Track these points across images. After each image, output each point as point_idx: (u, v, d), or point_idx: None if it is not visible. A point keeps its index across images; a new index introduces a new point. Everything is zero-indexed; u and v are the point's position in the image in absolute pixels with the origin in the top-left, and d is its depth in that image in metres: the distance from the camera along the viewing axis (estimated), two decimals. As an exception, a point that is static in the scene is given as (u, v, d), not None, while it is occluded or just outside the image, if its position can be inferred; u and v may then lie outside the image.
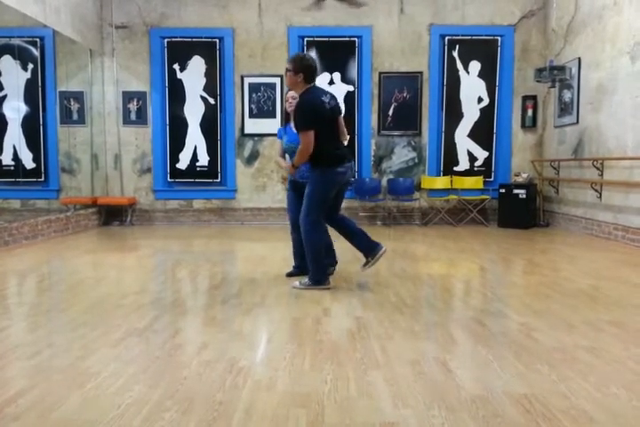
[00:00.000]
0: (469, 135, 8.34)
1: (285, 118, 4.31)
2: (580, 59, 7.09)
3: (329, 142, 3.86)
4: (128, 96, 8.27)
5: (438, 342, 2.74)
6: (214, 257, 5.64)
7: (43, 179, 7.34)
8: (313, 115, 3.73)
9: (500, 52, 8.21)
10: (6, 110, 6.69)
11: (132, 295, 3.72)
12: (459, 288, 4.14)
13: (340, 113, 4.04)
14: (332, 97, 3.95)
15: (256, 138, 8.35)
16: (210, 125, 8.31)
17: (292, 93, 4.17)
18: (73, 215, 7.38)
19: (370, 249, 4.02)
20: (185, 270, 4.73)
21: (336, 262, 4.36)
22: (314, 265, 3.92)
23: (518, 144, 8.38)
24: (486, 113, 8.30)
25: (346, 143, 4.16)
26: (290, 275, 4.33)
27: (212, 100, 8.29)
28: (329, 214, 4.03)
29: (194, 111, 8.30)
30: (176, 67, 8.27)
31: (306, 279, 3.96)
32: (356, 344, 2.69)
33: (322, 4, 8.08)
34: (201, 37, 8.18)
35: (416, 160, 8.36)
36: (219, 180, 8.41)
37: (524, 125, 8.34)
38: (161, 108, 8.27)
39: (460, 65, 8.26)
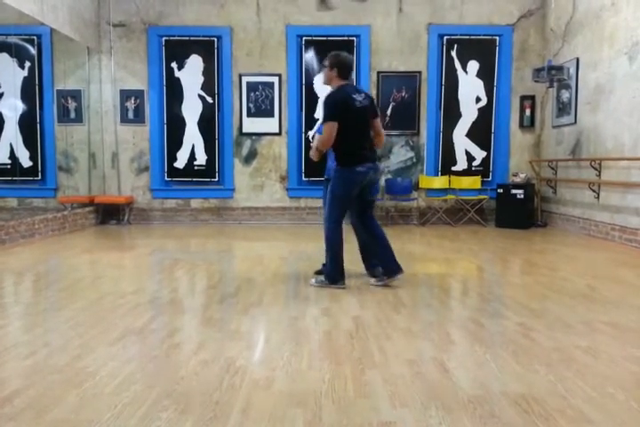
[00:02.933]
0: (467, 135, 8.35)
1: None
2: (578, 59, 7.09)
3: (355, 141, 3.84)
4: (125, 94, 8.25)
5: (436, 341, 2.74)
6: (212, 256, 5.63)
7: (40, 177, 7.31)
8: (337, 108, 3.76)
9: (499, 52, 8.21)
10: (3, 108, 6.66)
11: (129, 295, 3.71)
12: (456, 288, 4.14)
13: (377, 115, 4.01)
14: (367, 97, 3.94)
15: (254, 137, 8.34)
16: (208, 124, 8.30)
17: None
18: (70, 214, 7.36)
19: (391, 270, 3.96)
20: (182, 270, 4.72)
21: (399, 269, 3.99)
22: (332, 264, 3.93)
23: (516, 144, 8.39)
24: (484, 113, 8.30)
25: (381, 146, 4.13)
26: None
27: (209, 99, 8.28)
28: (358, 215, 4.04)
29: (192, 110, 8.28)
30: (174, 65, 8.25)
31: (322, 277, 4.00)
32: (354, 344, 2.69)
33: (327, 3, 8.07)
34: (199, 36, 8.16)
35: (414, 160, 8.36)
36: (216, 179, 8.40)
37: (522, 125, 8.34)
38: (159, 107, 8.25)
39: (458, 65, 8.26)
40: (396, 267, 3.96)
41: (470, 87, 8.27)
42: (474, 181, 8.30)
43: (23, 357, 2.50)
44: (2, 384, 2.18)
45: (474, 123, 8.32)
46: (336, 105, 3.77)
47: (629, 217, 5.97)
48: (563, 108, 7.57)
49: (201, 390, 2.13)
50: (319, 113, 8.23)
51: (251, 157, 8.37)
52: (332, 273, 3.94)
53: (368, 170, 3.87)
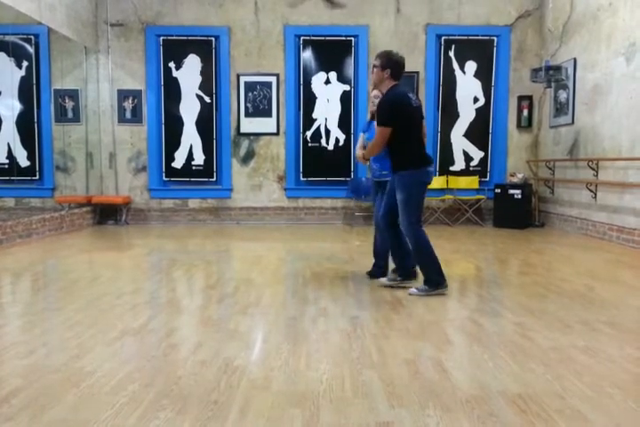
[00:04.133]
0: (465, 135, 8.35)
1: (371, 117, 4.25)
2: (575, 59, 7.11)
3: (416, 141, 3.73)
4: (123, 94, 8.24)
5: (433, 341, 2.74)
6: (210, 256, 5.63)
7: (37, 177, 7.30)
8: (395, 112, 3.63)
9: (496, 53, 8.22)
10: (1, 108, 6.65)
11: (127, 295, 3.71)
12: (454, 288, 4.14)
13: (423, 117, 3.92)
14: (418, 99, 3.89)
15: (252, 137, 8.34)
16: (205, 124, 8.29)
17: (375, 93, 4.09)
18: (67, 214, 7.35)
19: (407, 273, 3.94)
20: (180, 270, 4.71)
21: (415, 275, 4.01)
22: (429, 268, 3.72)
23: (514, 144, 8.40)
24: (482, 113, 8.31)
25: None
26: (370, 274, 4.21)
27: (207, 99, 8.27)
28: (394, 218, 3.80)
29: (189, 110, 8.27)
30: (172, 65, 8.24)
31: (423, 285, 3.73)
32: (352, 344, 2.69)
33: (319, 2, 8.07)
34: (197, 36, 8.15)
35: (412, 160, 8.35)
36: (214, 179, 8.39)
37: (519, 126, 8.36)
38: (156, 107, 8.25)
39: (456, 65, 8.27)
40: (414, 273, 3.94)
41: (468, 87, 8.28)
42: (471, 181, 8.31)
43: (21, 356, 2.49)
44: (0, 384, 2.18)
45: (471, 123, 8.33)
46: (393, 109, 3.62)
47: (626, 217, 5.98)
48: (560, 109, 7.58)
49: (199, 389, 2.13)
50: (318, 112, 8.23)
51: (249, 157, 8.36)
52: (434, 276, 3.70)
53: (432, 170, 3.79)
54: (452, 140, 8.36)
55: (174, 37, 8.16)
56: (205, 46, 8.19)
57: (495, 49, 8.22)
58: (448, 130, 8.34)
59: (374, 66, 3.80)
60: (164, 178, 8.37)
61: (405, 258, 3.92)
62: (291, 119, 8.27)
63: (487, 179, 8.38)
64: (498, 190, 7.97)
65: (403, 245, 3.87)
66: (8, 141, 6.74)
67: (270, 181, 8.40)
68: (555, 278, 4.30)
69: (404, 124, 3.65)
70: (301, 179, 8.36)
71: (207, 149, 8.33)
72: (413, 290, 3.74)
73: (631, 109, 5.91)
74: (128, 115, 8.27)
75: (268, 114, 8.28)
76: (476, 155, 8.39)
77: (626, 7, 6.01)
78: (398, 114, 3.64)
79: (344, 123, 8.29)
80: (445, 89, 8.28)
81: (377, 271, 4.21)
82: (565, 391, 2.12)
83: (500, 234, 7.19)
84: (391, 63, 3.75)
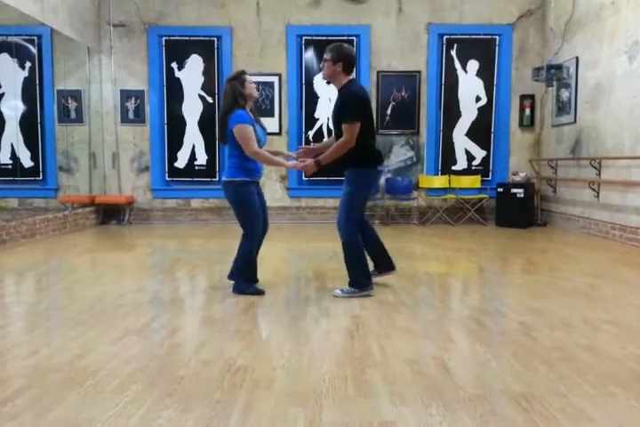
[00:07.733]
0: (467, 134, 8.35)
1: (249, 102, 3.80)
2: (577, 58, 7.09)
3: (372, 139, 3.68)
4: (126, 94, 8.25)
5: (436, 341, 2.75)
6: (212, 256, 5.63)
7: (40, 177, 7.32)
8: (363, 106, 3.57)
9: (498, 52, 8.21)
10: (4, 109, 6.67)
11: (130, 294, 3.72)
12: (456, 287, 4.15)
13: None
14: None
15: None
16: (208, 124, 8.30)
17: (251, 78, 3.78)
18: (71, 214, 7.37)
19: (386, 267, 3.96)
20: (183, 270, 4.72)
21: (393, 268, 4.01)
22: (359, 269, 3.65)
23: (516, 143, 8.39)
24: (484, 112, 8.30)
25: None
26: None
27: (210, 99, 8.28)
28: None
29: (192, 110, 8.28)
30: (174, 65, 8.25)
31: (347, 287, 3.68)
32: (354, 343, 2.70)
33: (320, 2, 8.07)
34: (199, 36, 8.16)
35: (414, 159, 8.37)
36: (217, 179, 8.39)
37: (521, 125, 8.34)
38: (159, 107, 8.26)
39: (458, 64, 8.26)
40: (392, 265, 3.97)
41: (470, 87, 8.27)
42: (474, 181, 8.31)
43: (25, 356, 2.50)
44: (4, 383, 2.18)
45: (474, 122, 8.32)
46: (359, 103, 3.56)
47: (629, 216, 5.97)
48: (562, 108, 7.57)
49: (202, 389, 2.13)
50: (320, 112, 8.24)
51: (251, 156, 8.36)
52: (361, 278, 3.65)
53: (383, 169, 3.84)
54: (454, 140, 8.35)
55: (176, 38, 8.18)
56: (207, 46, 8.20)
57: (497, 48, 8.21)
58: (450, 129, 8.33)
59: (325, 59, 3.64)
60: (167, 178, 8.38)
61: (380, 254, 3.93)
62: (293, 119, 8.28)
63: (489, 178, 8.37)
64: (500, 189, 7.96)
65: (369, 238, 3.85)
66: (11, 142, 6.76)
67: (273, 181, 8.40)
68: (557, 277, 4.29)
69: (367, 121, 3.58)
70: (303, 179, 8.36)
71: (209, 149, 8.34)
72: (338, 292, 3.67)
73: (633, 108, 5.90)
74: (131, 115, 8.28)
75: (270, 114, 8.28)
76: (479, 154, 8.38)
77: (628, 5, 6.00)
78: (365, 108, 3.58)
79: (346, 122, 8.28)
80: (447, 88, 8.27)
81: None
82: (568, 390, 2.12)
83: (502, 233, 7.18)
84: (342, 56, 3.59)
